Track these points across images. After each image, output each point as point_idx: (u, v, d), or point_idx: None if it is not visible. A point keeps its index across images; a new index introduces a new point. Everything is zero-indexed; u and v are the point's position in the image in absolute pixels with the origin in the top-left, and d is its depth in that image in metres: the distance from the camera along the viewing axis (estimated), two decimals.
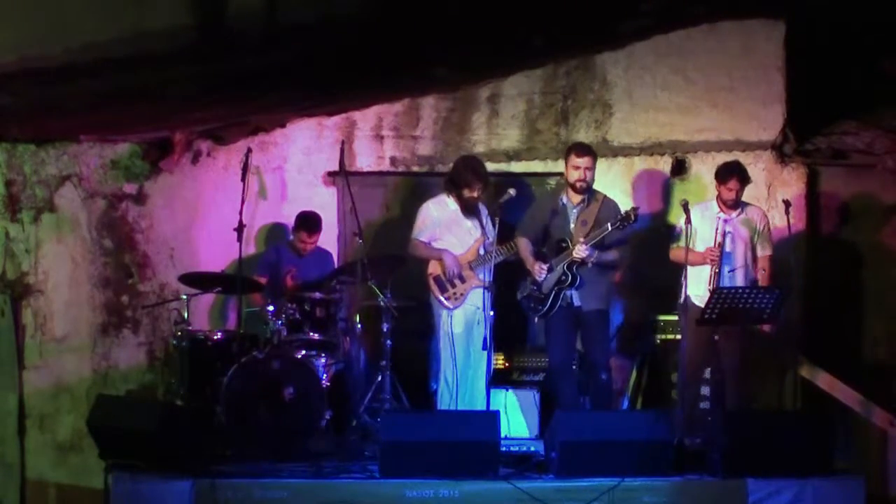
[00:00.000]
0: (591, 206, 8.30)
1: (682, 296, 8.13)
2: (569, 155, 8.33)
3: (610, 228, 8.06)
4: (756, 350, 8.51)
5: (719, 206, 8.41)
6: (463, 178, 8.58)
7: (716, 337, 7.98)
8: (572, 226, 8.29)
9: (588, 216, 8.27)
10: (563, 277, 8.18)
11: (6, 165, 9.08)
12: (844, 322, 9.33)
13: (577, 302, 8.24)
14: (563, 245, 8.23)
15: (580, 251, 8.08)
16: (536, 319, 8.46)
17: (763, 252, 8.44)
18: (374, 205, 9.42)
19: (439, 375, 8.49)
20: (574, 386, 8.32)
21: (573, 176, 8.25)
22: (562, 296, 8.23)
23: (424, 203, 8.72)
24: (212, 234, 9.14)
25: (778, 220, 8.91)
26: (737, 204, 8.40)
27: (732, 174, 8.36)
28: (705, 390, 8.52)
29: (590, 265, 8.16)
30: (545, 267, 8.24)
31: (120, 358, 9.17)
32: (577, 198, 8.29)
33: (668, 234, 8.73)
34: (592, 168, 8.29)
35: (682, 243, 8.18)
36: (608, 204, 8.36)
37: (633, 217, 8.04)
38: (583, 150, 8.32)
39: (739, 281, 8.27)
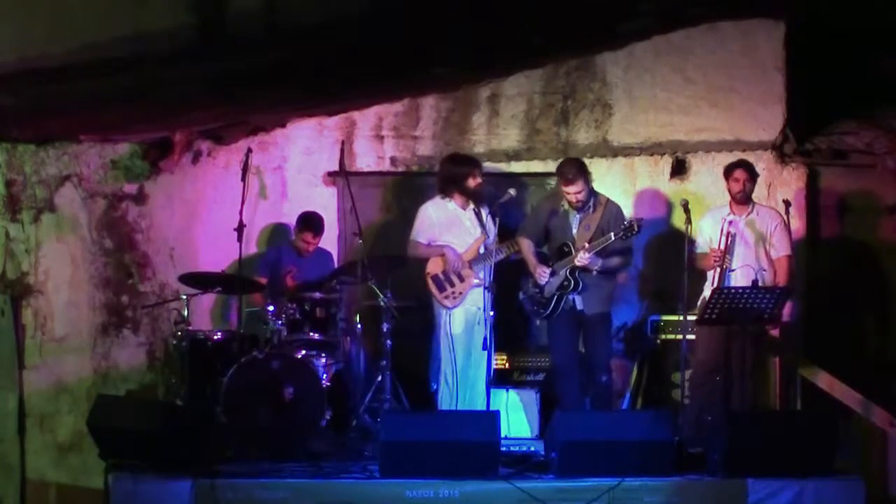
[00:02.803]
0: (593, 211, 8.29)
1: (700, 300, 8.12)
2: (558, 179, 8.30)
3: (613, 238, 8.06)
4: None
5: (730, 208, 8.38)
6: (461, 171, 8.57)
7: (728, 338, 8.02)
8: (575, 230, 8.28)
9: (591, 221, 8.26)
10: (566, 283, 8.19)
11: (6, 165, 9.07)
12: (844, 322, 9.33)
13: (579, 306, 8.25)
14: (566, 250, 8.23)
15: (583, 259, 8.08)
16: (538, 321, 8.47)
17: (777, 253, 8.35)
18: (374, 205, 9.42)
19: (439, 375, 8.49)
20: (576, 386, 8.32)
21: (567, 198, 8.25)
22: (564, 300, 8.23)
23: (423, 205, 8.72)
24: (212, 234, 9.14)
25: None
26: (746, 199, 8.36)
27: (737, 165, 8.37)
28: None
29: (594, 272, 8.16)
30: (547, 271, 8.24)
31: (120, 358, 9.17)
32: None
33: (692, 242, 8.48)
34: (585, 187, 8.23)
35: (704, 250, 8.23)
36: (611, 208, 8.34)
37: (636, 228, 8.02)
38: (568, 179, 8.17)
39: (739, 281, 8.24)
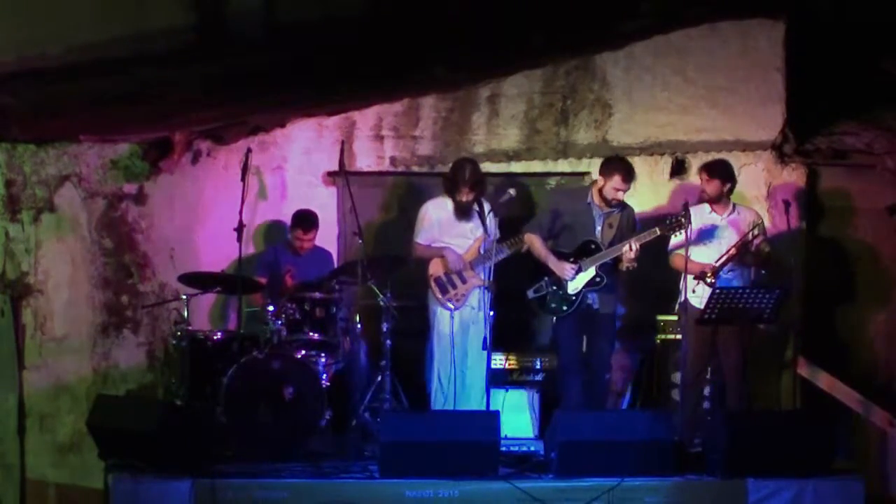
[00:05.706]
0: (618, 211, 8.30)
1: (682, 296, 8.10)
2: (612, 173, 8.19)
3: (659, 233, 8.07)
4: (756, 350, 8.51)
5: (711, 207, 8.40)
6: (453, 181, 8.57)
7: (715, 337, 8.02)
8: (598, 228, 8.27)
9: (613, 220, 8.28)
10: (598, 279, 8.17)
11: (6, 165, 9.07)
12: (844, 321, 9.33)
13: (595, 304, 8.25)
14: (592, 247, 8.21)
15: (632, 254, 8.03)
16: (554, 319, 8.40)
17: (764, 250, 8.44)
18: (374, 205, 9.42)
19: (433, 375, 8.49)
20: (580, 385, 8.29)
21: (611, 194, 8.21)
22: (585, 297, 8.21)
23: (423, 205, 8.72)
24: (212, 234, 9.14)
25: (778, 220, 8.91)
26: (728, 200, 8.39)
27: (713, 174, 8.38)
28: (707, 390, 8.53)
29: (626, 267, 8.12)
30: (575, 267, 8.21)
31: (120, 358, 9.17)
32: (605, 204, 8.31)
33: (666, 239, 8.48)
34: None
35: (680, 249, 8.21)
36: (628, 210, 8.40)
37: (683, 220, 7.96)
38: (631, 175, 8.25)
39: (735, 282, 8.25)
